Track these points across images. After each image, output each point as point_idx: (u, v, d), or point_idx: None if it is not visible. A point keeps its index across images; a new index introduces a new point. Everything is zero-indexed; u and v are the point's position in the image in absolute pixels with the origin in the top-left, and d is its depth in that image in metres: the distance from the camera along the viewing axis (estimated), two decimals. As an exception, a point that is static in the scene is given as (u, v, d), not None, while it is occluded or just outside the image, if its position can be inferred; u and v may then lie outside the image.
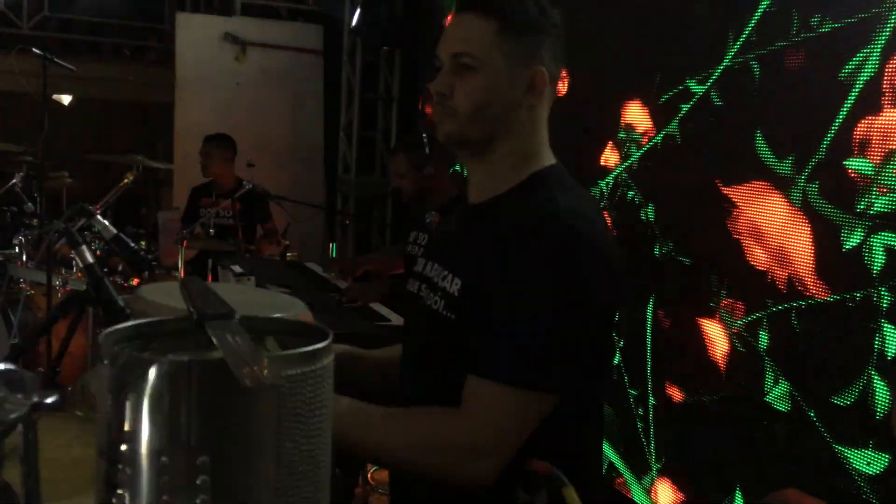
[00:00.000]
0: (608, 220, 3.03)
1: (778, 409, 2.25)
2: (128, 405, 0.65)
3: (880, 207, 1.98)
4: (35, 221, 4.06)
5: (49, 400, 0.70)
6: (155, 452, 0.64)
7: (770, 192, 2.31)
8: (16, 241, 3.86)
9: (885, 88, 1.97)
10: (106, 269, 3.67)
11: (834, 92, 2.09)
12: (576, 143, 3.07)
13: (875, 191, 1.99)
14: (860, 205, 2.02)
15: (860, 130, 2.04)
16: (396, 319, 2.89)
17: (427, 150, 3.37)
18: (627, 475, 2.90)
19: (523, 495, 0.81)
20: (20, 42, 4.50)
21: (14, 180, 4.22)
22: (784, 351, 2.27)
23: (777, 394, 2.26)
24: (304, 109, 6.39)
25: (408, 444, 1.19)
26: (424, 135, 3.47)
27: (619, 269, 1.28)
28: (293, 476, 0.68)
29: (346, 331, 2.53)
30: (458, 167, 3.49)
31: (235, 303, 0.76)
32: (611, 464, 2.96)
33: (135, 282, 3.79)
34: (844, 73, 2.07)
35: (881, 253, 1.97)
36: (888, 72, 1.96)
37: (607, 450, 2.96)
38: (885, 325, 1.96)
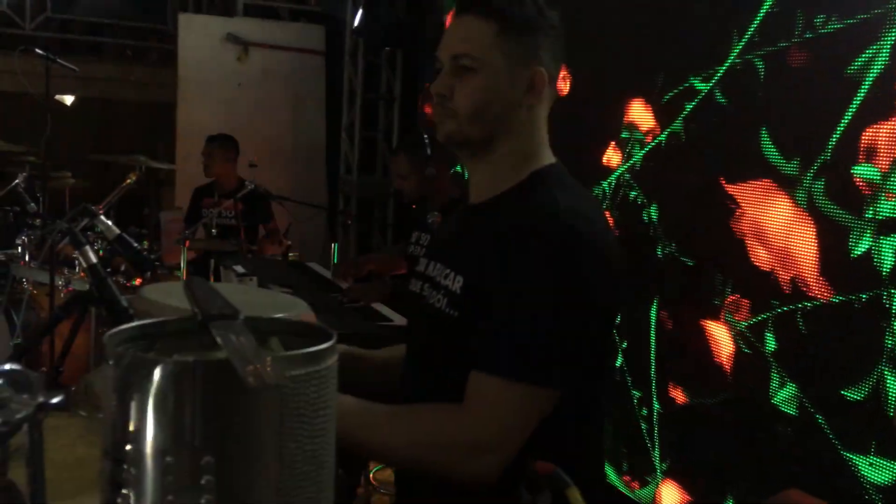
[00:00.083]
0: (611, 220, 3.03)
1: (784, 412, 2.24)
2: (132, 405, 0.65)
3: (889, 212, 1.97)
4: (38, 221, 4.06)
5: (54, 400, 0.70)
6: (159, 452, 0.64)
7: (775, 192, 2.30)
8: (19, 242, 3.86)
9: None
10: (109, 269, 3.67)
11: (842, 90, 2.07)
12: (578, 142, 3.06)
13: (884, 197, 1.97)
14: (868, 212, 2.01)
15: (867, 137, 2.02)
16: (398, 320, 2.89)
17: (428, 151, 3.37)
18: (632, 476, 2.90)
19: (526, 496, 0.81)
20: (23, 42, 4.51)
21: (17, 180, 4.23)
22: (790, 353, 2.25)
23: (782, 396, 2.26)
24: (305, 110, 6.40)
25: (411, 441, 1.20)
26: (425, 135, 3.47)
27: (619, 269, 1.28)
28: (296, 476, 0.68)
29: (347, 331, 2.53)
30: (458, 168, 3.49)
31: (238, 303, 0.76)
32: (615, 465, 2.96)
33: (137, 282, 3.80)
34: (853, 67, 2.04)
35: (890, 255, 1.96)
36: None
37: (611, 451, 2.96)
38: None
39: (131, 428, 0.65)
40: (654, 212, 2.84)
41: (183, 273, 3.88)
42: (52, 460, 1.06)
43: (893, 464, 1.94)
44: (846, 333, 2.08)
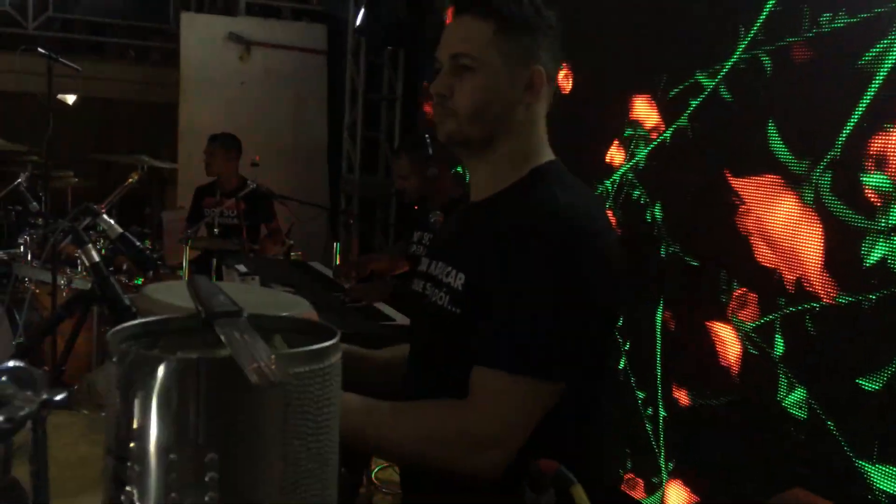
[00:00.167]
0: (613, 219, 3.03)
1: (791, 414, 2.23)
2: (136, 403, 0.65)
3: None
4: (40, 221, 4.07)
5: (58, 397, 0.70)
6: (163, 450, 0.64)
7: (783, 190, 2.28)
8: (21, 241, 3.87)
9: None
10: (111, 268, 3.68)
11: (853, 87, 2.06)
12: (581, 141, 3.05)
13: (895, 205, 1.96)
14: (881, 221, 1.99)
15: (876, 145, 2.01)
16: (401, 319, 2.89)
17: (430, 151, 3.37)
18: (637, 477, 2.90)
19: (530, 494, 0.81)
20: (25, 42, 4.51)
21: (19, 180, 4.23)
22: (797, 354, 2.24)
23: (789, 397, 2.25)
24: (307, 109, 6.40)
25: (415, 436, 1.20)
26: (427, 135, 3.47)
27: (619, 267, 1.28)
28: (300, 473, 0.68)
29: (350, 330, 2.53)
30: (459, 168, 3.49)
31: (241, 302, 0.76)
32: (619, 465, 2.95)
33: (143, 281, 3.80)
34: (864, 59, 2.02)
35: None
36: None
37: (616, 452, 2.95)
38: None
39: (135, 425, 0.65)
40: (658, 211, 2.83)
41: (185, 272, 3.88)
42: (55, 459, 1.05)
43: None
44: (856, 334, 2.07)
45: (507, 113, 1.29)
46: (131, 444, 0.65)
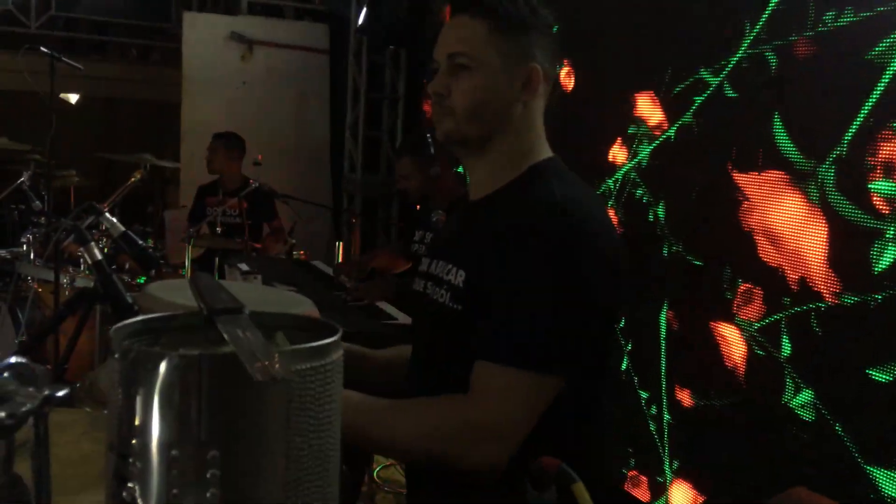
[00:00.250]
0: (615, 218, 3.02)
1: (797, 415, 2.22)
2: (138, 399, 0.65)
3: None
4: (43, 220, 4.07)
5: (60, 393, 0.70)
6: (165, 446, 0.64)
7: (788, 188, 2.27)
8: (24, 239, 3.87)
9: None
10: (114, 267, 3.68)
11: (858, 83, 2.04)
12: (583, 139, 3.04)
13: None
14: (890, 228, 1.98)
15: (884, 152, 1.99)
16: (403, 318, 2.89)
17: (432, 151, 3.37)
18: (641, 477, 2.89)
19: (532, 492, 0.81)
20: (27, 41, 4.51)
21: (22, 179, 4.23)
22: (803, 354, 2.23)
23: (794, 398, 2.24)
24: (309, 108, 6.40)
25: (418, 432, 1.20)
26: (429, 135, 3.47)
27: (619, 264, 1.28)
28: (302, 471, 0.68)
29: (352, 329, 2.53)
30: (460, 168, 3.49)
31: (243, 300, 0.76)
32: (621, 465, 2.95)
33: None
34: (873, 52, 2.02)
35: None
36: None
37: (618, 451, 2.94)
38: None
39: (137, 422, 0.65)
40: (661, 209, 2.82)
41: (188, 271, 3.88)
42: (57, 456, 1.06)
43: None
44: (862, 334, 2.06)
45: (504, 111, 1.30)
46: (133, 441, 0.65)
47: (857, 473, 2.03)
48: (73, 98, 5.52)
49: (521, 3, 1.30)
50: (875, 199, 2.01)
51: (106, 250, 3.56)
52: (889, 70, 1.99)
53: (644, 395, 2.87)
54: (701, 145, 2.64)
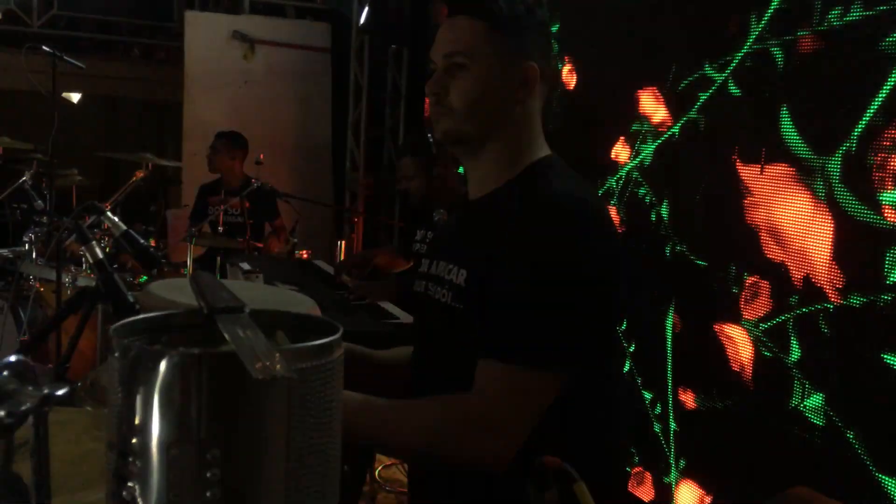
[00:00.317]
0: (617, 218, 3.01)
1: (804, 416, 2.21)
2: (138, 398, 0.65)
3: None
4: (45, 219, 4.07)
5: (59, 392, 0.70)
6: (165, 445, 0.64)
7: (796, 184, 2.25)
8: (26, 238, 3.87)
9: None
10: (115, 266, 3.68)
11: (866, 79, 2.03)
12: (585, 137, 3.03)
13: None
14: None
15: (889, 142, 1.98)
16: (405, 318, 2.88)
17: (434, 150, 3.36)
18: (647, 476, 2.88)
19: (534, 491, 0.80)
20: (30, 40, 4.51)
21: (24, 178, 4.24)
22: (809, 355, 2.21)
23: (803, 400, 2.22)
24: (312, 107, 6.40)
25: (422, 431, 1.20)
26: (430, 134, 3.46)
27: (620, 263, 1.28)
28: (302, 469, 0.68)
29: (354, 328, 2.53)
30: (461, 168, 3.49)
31: (245, 299, 0.75)
32: (625, 465, 2.94)
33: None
34: (884, 43, 1.99)
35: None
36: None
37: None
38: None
39: (137, 421, 0.64)
40: (664, 209, 2.81)
41: (189, 270, 3.88)
42: (58, 455, 1.05)
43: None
44: (869, 334, 2.05)
45: (502, 110, 1.31)
46: (133, 440, 0.65)
47: (866, 477, 2.02)
48: (75, 97, 5.51)
49: (518, 2, 1.31)
50: (887, 214, 2.00)
51: (108, 249, 3.56)
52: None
53: (648, 395, 2.86)
54: (706, 143, 2.63)
